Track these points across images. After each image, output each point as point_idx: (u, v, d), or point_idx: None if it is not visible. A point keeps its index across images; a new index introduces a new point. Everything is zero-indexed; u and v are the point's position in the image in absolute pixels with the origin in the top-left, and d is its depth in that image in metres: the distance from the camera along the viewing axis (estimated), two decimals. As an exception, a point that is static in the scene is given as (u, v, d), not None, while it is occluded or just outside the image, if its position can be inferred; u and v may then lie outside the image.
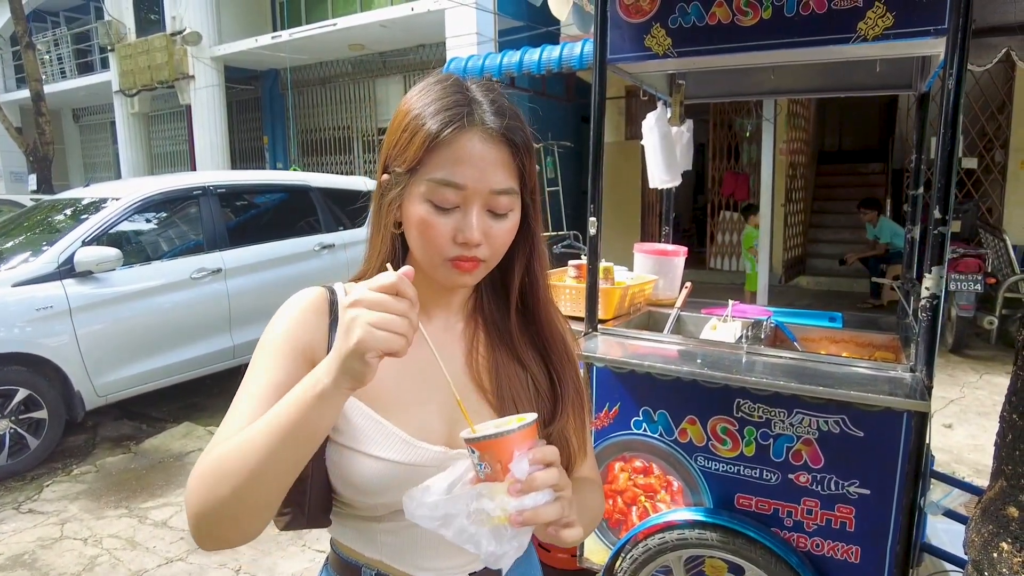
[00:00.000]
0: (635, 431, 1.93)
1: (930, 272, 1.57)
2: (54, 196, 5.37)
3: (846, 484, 1.69)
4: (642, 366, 1.87)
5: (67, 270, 3.76)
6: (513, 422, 0.70)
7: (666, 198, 2.90)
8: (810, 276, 9.02)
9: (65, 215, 4.35)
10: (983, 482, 2.19)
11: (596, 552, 2.06)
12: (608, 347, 2.00)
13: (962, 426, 4.06)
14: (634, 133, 8.74)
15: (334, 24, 9.59)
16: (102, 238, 3.98)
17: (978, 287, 5.27)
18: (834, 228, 9.42)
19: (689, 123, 2.72)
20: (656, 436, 1.90)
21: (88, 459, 3.86)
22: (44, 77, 12.09)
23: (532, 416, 0.70)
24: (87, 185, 5.36)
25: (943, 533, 2.14)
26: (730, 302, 2.30)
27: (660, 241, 2.85)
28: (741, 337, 2.08)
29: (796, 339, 2.20)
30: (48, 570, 2.73)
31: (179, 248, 4.43)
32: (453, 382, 0.85)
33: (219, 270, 4.44)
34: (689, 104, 2.75)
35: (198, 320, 4.34)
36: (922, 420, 1.57)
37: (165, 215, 4.51)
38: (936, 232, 1.56)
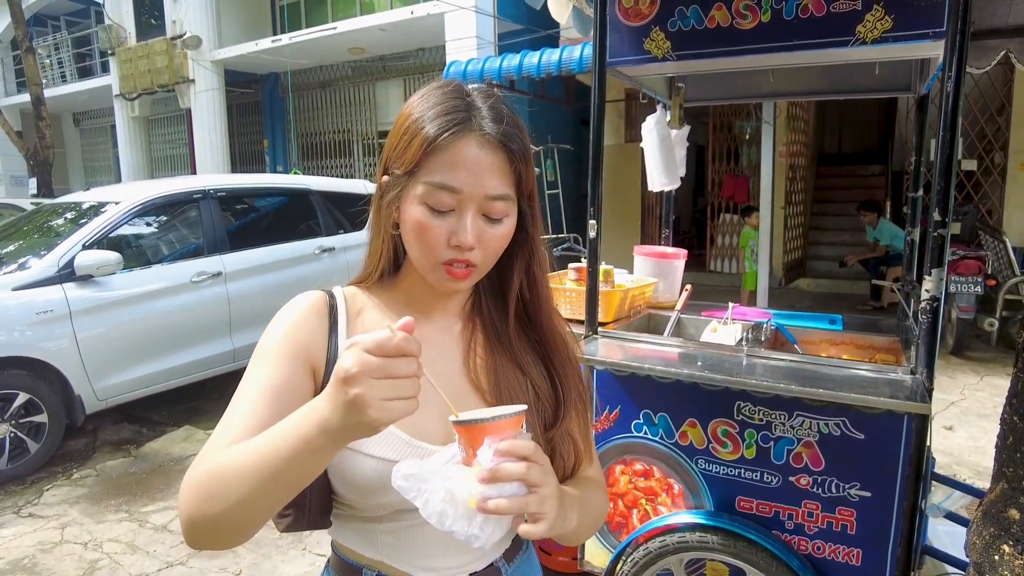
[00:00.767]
0: (636, 434, 1.93)
1: (930, 274, 1.58)
2: (54, 200, 5.37)
3: (847, 487, 1.68)
4: (643, 369, 1.87)
5: (67, 274, 3.76)
6: (498, 411, 0.70)
7: (666, 201, 2.90)
8: (810, 278, 9.02)
9: (65, 219, 4.35)
10: (984, 484, 2.19)
11: (597, 555, 2.06)
12: (608, 350, 2.00)
13: (963, 428, 4.06)
14: (634, 136, 8.75)
15: (334, 28, 9.61)
16: (102, 242, 3.98)
17: (978, 289, 5.27)
18: (834, 230, 9.42)
19: (686, 128, 2.72)
20: (657, 439, 1.90)
21: (88, 463, 3.85)
22: (44, 81, 12.14)
23: (513, 408, 0.70)
24: (87, 189, 5.36)
25: (944, 535, 2.13)
26: (730, 305, 2.30)
27: (660, 244, 2.85)
28: (741, 340, 2.08)
29: (796, 341, 2.20)
30: (48, 575, 2.72)
31: (179, 252, 4.43)
32: (451, 383, 0.87)
33: (219, 273, 4.44)
34: (688, 107, 2.76)
35: (198, 324, 4.34)
36: (923, 422, 1.57)
37: (165, 219, 4.52)
38: (936, 234, 1.56)
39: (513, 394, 0.86)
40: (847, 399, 1.61)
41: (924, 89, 2.31)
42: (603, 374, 1.94)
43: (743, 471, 1.80)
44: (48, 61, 15.38)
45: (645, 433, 1.91)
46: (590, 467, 0.95)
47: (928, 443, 1.64)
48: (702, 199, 10.86)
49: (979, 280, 5.26)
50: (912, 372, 1.68)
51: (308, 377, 0.81)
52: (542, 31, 8.18)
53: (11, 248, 4.13)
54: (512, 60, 6.35)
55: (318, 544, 2.89)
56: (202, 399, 4.75)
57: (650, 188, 2.62)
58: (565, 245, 6.32)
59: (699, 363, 1.85)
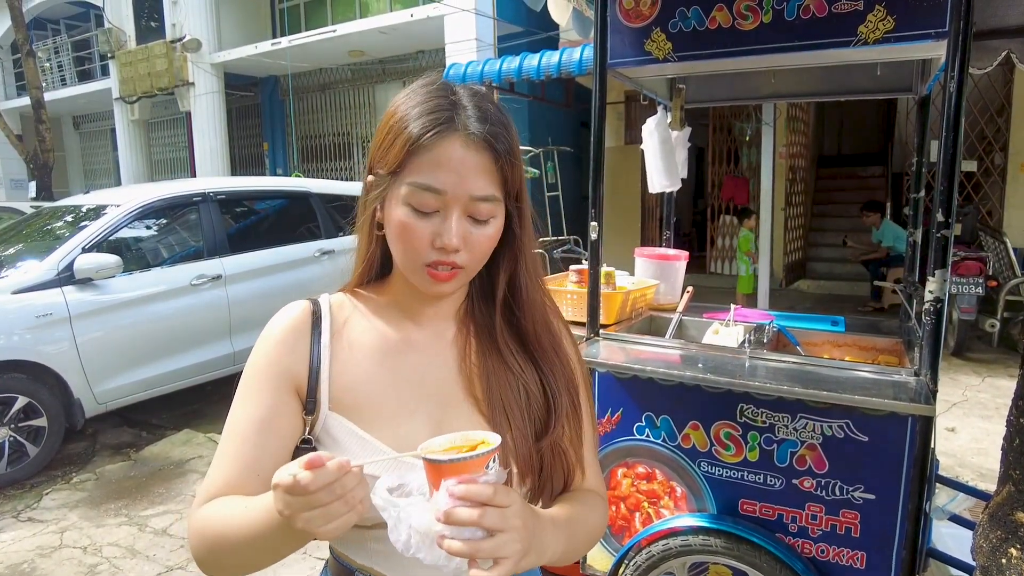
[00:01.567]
0: (638, 437, 1.92)
1: (933, 275, 1.57)
2: (54, 203, 5.36)
3: (851, 489, 1.67)
4: (644, 371, 1.86)
5: (67, 277, 3.75)
6: (475, 444, 0.69)
7: (667, 202, 2.90)
8: (810, 280, 9.02)
9: (65, 222, 4.34)
10: (987, 486, 2.18)
11: (599, 559, 2.04)
12: (610, 352, 1.99)
13: (965, 429, 4.05)
14: (634, 138, 8.75)
15: (334, 31, 9.62)
16: (102, 245, 3.97)
17: (979, 290, 5.27)
18: (834, 232, 9.42)
19: (687, 130, 2.71)
20: (659, 442, 1.89)
21: (88, 467, 3.84)
22: (44, 85, 12.14)
23: (479, 451, 0.67)
24: (86, 192, 5.35)
25: (948, 538, 2.12)
26: (732, 306, 2.30)
27: (660, 245, 2.84)
28: (744, 342, 2.07)
29: (799, 343, 2.19)
30: (47, 579, 2.71)
31: (179, 254, 4.42)
32: (444, 391, 0.85)
33: (219, 276, 4.43)
34: (689, 108, 2.75)
35: (198, 326, 4.33)
36: (927, 424, 1.56)
37: (165, 221, 4.51)
38: (939, 235, 1.55)
39: (507, 401, 0.84)
40: (851, 401, 1.60)
41: (925, 90, 2.31)
42: (605, 376, 1.93)
43: (746, 474, 1.78)
44: (48, 65, 15.38)
45: (647, 436, 1.90)
46: (588, 478, 0.92)
47: (932, 445, 1.63)
48: (702, 201, 10.86)
49: (980, 281, 5.26)
50: (916, 374, 1.68)
51: (292, 400, 0.82)
52: (542, 33, 8.19)
53: (10, 251, 4.12)
54: (512, 62, 6.34)
55: (318, 548, 2.88)
56: (202, 402, 4.74)
57: (651, 190, 2.62)
58: (566, 247, 6.31)
59: (701, 365, 1.84)
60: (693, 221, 11.67)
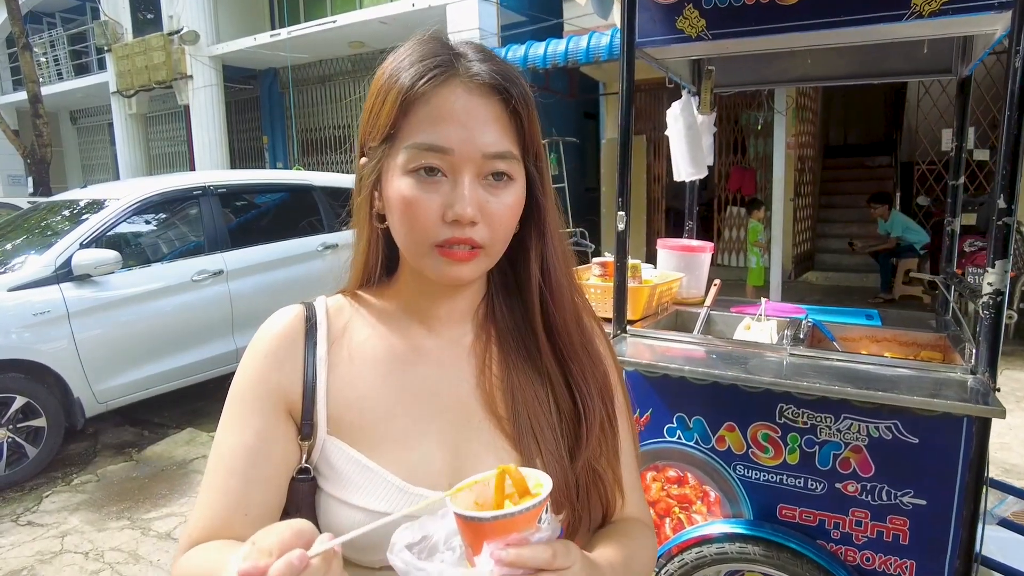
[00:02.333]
0: (669, 439, 1.82)
1: (993, 266, 1.46)
2: (51, 198, 5.25)
3: (899, 494, 1.57)
4: (676, 370, 1.76)
5: (65, 273, 3.65)
6: (519, 480, 0.55)
7: (689, 192, 2.79)
8: (819, 271, 8.92)
9: (62, 217, 4.23)
10: (1013, 481, 2.07)
11: (626, 566, 1.95)
12: (638, 350, 1.89)
13: (987, 424, 3.95)
14: (639, 128, 8.63)
15: (333, 21, 9.48)
16: (100, 240, 3.87)
17: (997, 281, 5.16)
18: (842, 223, 9.32)
19: (713, 115, 2.59)
20: (691, 444, 1.79)
21: (89, 468, 3.75)
22: (41, 79, 11.97)
23: (525, 504, 0.53)
24: (84, 187, 5.25)
25: (994, 542, 2.02)
26: (763, 300, 2.19)
27: (666, 236, 2.73)
28: (781, 338, 1.96)
29: (835, 339, 2.08)
30: (48, 586, 2.62)
31: (179, 250, 4.32)
32: (462, 409, 0.71)
33: (221, 272, 4.33)
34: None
35: (200, 323, 4.23)
36: (984, 426, 1.46)
37: (165, 216, 4.40)
38: (1000, 223, 1.44)
39: (535, 419, 0.71)
40: (903, 401, 1.50)
41: (968, 71, 2.19)
42: (633, 375, 1.82)
43: (785, 477, 1.69)
44: (44, 58, 15.21)
45: (679, 438, 1.80)
46: (630, 504, 0.79)
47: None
48: (707, 192, 10.74)
49: (998, 272, 5.15)
50: (972, 371, 1.57)
51: (284, 424, 0.69)
52: (547, 19, 8.05)
53: (7, 247, 4.02)
54: (517, 51, 6.23)
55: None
56: (205, 400, 4.64)
57: (676, 178, 2.50)
58: (573, 239, 6.21)
59: (738, 363, 1.74)
60: (699, 212, 11.55)
